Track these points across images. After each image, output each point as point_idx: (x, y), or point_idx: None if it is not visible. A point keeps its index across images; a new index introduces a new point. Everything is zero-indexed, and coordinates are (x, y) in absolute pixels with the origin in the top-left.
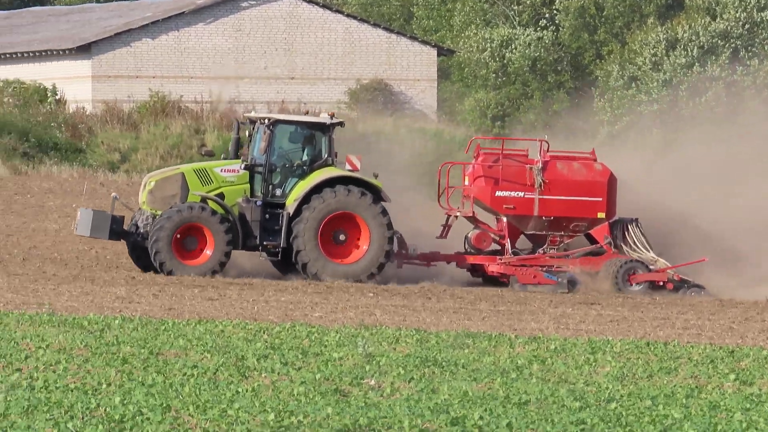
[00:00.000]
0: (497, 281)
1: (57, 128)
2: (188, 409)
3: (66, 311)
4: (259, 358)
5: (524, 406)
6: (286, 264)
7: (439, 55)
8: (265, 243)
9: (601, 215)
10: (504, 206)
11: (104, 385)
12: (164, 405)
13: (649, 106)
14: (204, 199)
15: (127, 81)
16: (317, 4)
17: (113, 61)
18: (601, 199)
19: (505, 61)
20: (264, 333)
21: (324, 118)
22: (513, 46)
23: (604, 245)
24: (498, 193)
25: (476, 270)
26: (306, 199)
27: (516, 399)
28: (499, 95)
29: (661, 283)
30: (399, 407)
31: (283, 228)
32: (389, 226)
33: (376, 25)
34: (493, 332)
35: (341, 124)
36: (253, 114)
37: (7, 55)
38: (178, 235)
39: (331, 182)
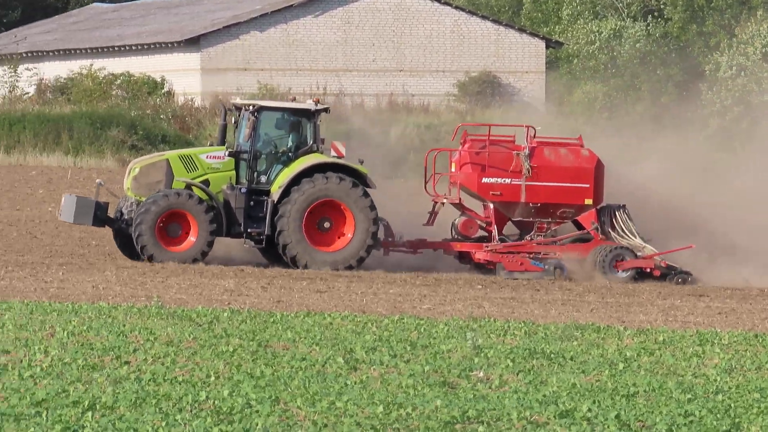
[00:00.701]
0: (485, 268)
1: (165, 121)
2: (297, 402)
3: (174, 304)
4: (367, 350)
5: (632, 398)
6: (272, 251)
7: (547, 47)
8: (249, 230)
9: (589, 201)
10: (491, 193)
11: (213, 378)
12: (273, 397)
13: (760, 97)
14: (189, 186)
15: (236, 73)
16: None
17: (222, 54)
18: (588, 185)
19: (614, 54)
20: (372, 325)
21: (309, 104)
22: (622, 39)
23: (591, 231)
24: (484, 180)
25: (464, 257)
26: (290, 186)
27: (624, 391)
28: (607, 87)
29: (648, 270)
30: (507, 399)
31: (268, 215)
32: (375, 217)
33: (484, 17)
34: (601, 324)
35: (327, 110)
36: (238, 100)
37: (117, 48)
38: (162, 222)
39: (315, 169)
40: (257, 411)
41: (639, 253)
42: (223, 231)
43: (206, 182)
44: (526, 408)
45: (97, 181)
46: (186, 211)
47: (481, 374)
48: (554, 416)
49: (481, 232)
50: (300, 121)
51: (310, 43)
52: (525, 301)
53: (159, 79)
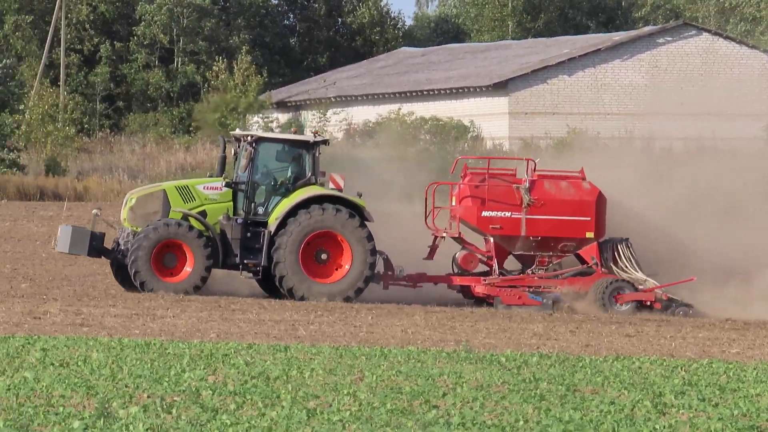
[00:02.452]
0: (486, 302)
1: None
2: None
3: (483, 348)
4: (676, 394)
5: None
6: (270, 283)
7: None
8: (245, 261)
9: (590, 235)
10: (490, 226)
11: (521, 422)
12: None
13: None
14: (185, 216)
15: (543, 117)
16: (734, 40)
17: (530, 98)
18: (589, 218)
19: None
20: (681, 369)
21: (308, 136)
22: None
23: (592, 265)
24: (484, 213)
25: (466, 291)
26: (287, 217)
27: None
28: None
29: (649, 303)
30: None
31: (264, 247)
32: (372, 248)
33: None
34: None
35: (326, 142)
36: (237, 131)
37: (425, 92)
38: (158, 252)
39: (313, 201)
40: None
41: (640, 287)
42: (219, 262)
43: (203, 213)
44: None
45: (94, 211)
46: (181, 241)
47: None
48: None
49: (484, 267)
50: (299, 152)
51: (618, 87)
52: None
53: (467, 123)
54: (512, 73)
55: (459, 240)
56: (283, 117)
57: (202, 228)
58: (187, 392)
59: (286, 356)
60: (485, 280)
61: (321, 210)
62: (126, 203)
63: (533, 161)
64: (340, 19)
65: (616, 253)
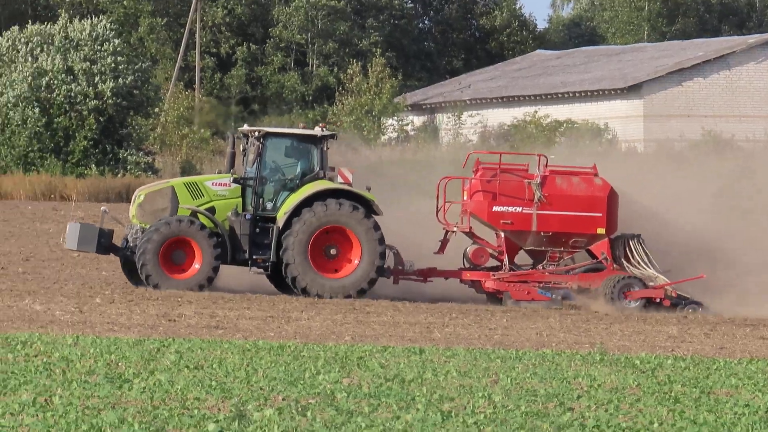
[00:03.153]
0: (496, 297)
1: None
2: None
3: (618, 350)
4: None
5: None
6: (280, 279)
7: None
8: (254, 257)
9: (601, 231)
10: (501, 221)
11: (656, 425)
12: None
13: None
14: (194, 213)
15: (678, 120)
16: None
17: (664, 101)
18: (600, 214)
19: None
20: None
21: (315, 130)
22: None
23: (602, 261)
24: (495, 208)
25: (477, 286)
26: (296, 212)
27: None
28: None
29: (658, 300)
30: None
31: (273, 242)
32: (381, 239)
33: None
34: None
35: (333, 136)
36: (245, 127)
37: (560, 95)
38: (166, 249)
39: (321, 195)
40: None
41: (651, 283)
42: (228, 258)
43: (212, 209)
44: None
45: (102, 208)
46: (190, 238)
47: None
48: None
49: (496, 262)
50: (306, 147)
51: (753, 90)
52: None
53: (602, 126)
54: (647, 75)
55: (470, 235)
56: (418, 120)
57: (211, 224)
58: (322, 395)
59: (421, 359)
60: (494, 275)
61: (324, 206)
62: (135, 200)
63: (545, 156)
64: (474, 22)
65: (627, 250)
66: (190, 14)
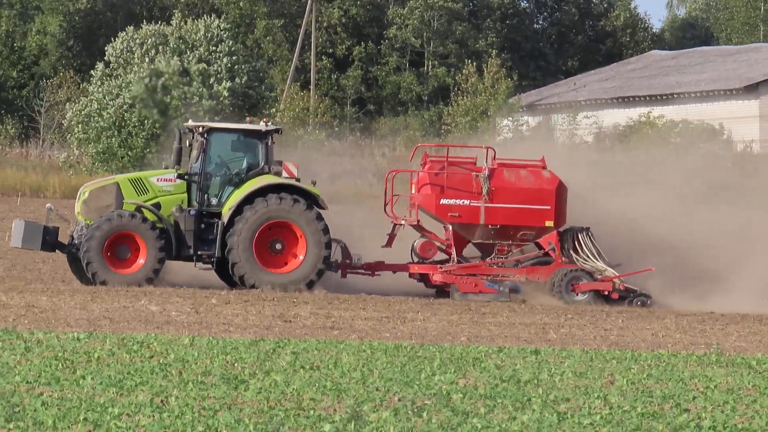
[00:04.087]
0: (444, 291)
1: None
2: None
3: (734, 351)
4: None
5: None
6: (227, 274)
7: None
8: (199, 252)
9: (549, 224)
10: (449, 214)
11: None
12: None
13: None
14: (138, 208)
15: None
16: None
17: None
18: (549, 207)
19: None
20: None
21: (260, 125)
22: None
23: (550, 253)
24: (443, 201)
25: (426, 280)
26: (240, 208)
27: None
28: None
29: (606, 293)
30: None
31: (218, 237)
32: (325, 229)
33: None
34: None
35: (278, 131)
36: (190, 123)
37: (675, 95)
38: (110, 244)
39: (266, 190)
40: None
41: (599, 276)
42: (173, 253)
43: (157, 205)
44: None
45: (48, 205)
46: (134, 233)
47: None
48: None
49: (444, 255)
50: (251, 142)
51: None
52: None
53: (717, 126)
54: (763, 75)
55: (418, 228)
56: (533, 120)
57: (156, 219)
58: (437, 395)
59: (537, 359)
60: (441, 268)
61: (265, 202)
62: (79, 197)
63: (492, 149)
64: (590, 23)
65: (576, 242)
66: (306, 15)
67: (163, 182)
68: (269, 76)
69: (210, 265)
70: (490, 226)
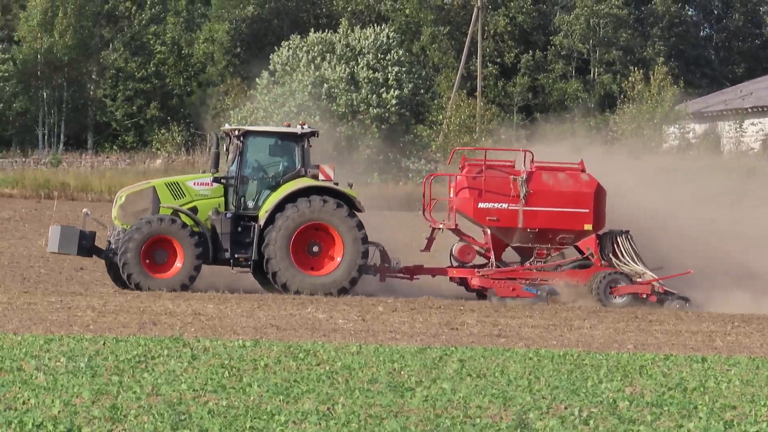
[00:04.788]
0: (484, 295)
1: None
2: None
3: None
4: None
5: None
6: (263, 276)
7: None
8: (236, 256)
9: (588, 227)
10: (487, 218)
11: None
12: None
13: None
14: (175, 212)
15: None
16: None
17: None
18: (587, 210)
19: None
20: None
21: (296, 128)
22: None
23: (588, 256)
24: (481, 205)
25: (466, 284)
26: (277, 210)
27: None
28: None
29: (645, 296)
30: None
31: (255, 240)
32: (364, 238)
33: None
34: None
35: (315, 134)
36: (227, 126)
37: None
38: (148, 249)
39: (303, 193)
40: None
41: (638, 279)
42: (210, 257)
43: (194, 209)
44: None
45: (84, 210)
46: (171, 237)
47: None
48: None
49: (483, 259)
50: (288, 145)
51: None
52: None
53: None
54: None
55: (456, 232)
56: (699, 127)
57: (192, 223)
58: (604, 404)
59: (703, 367)
60: (479, 272)
61: (308, 202)
62: (116, 201)
63: (530, 152)
64: (757, 30)
65: (615, 246)
66: (472, 23)
67: (199, 186)
68: (436, 84)
69: (247, 268)
70: (528, 230)
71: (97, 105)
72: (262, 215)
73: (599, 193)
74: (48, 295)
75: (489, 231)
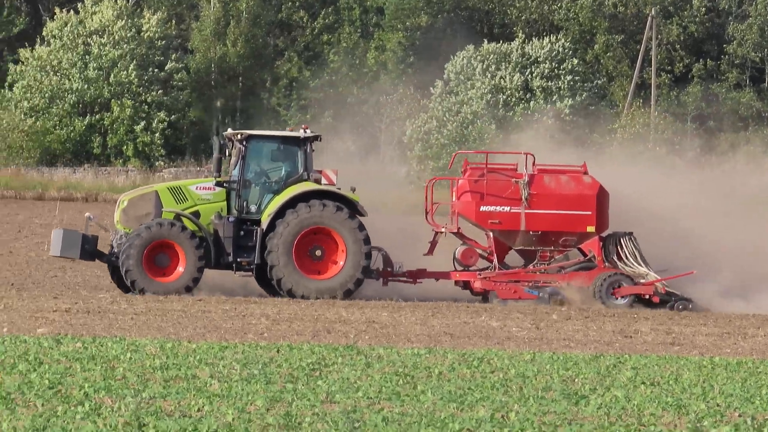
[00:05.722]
0: (487, 298)
1: None
2: None
3: None
4: None
5: None
6: (266, 280)
7: None
8: (238, 260)
9: (591, 229)
10: (489, 221)
11: None
12: None
13: None
14: (177, 216)
15: None
16: None
17: None
18: (590, 212)
19: None
20: None
21: (298, 132)
22: None
23: (590, 258)
24: (483, 208)
25: (469, 287)
26: (280, 214)
27: None
28: None
29: (647, 297)
30: None
31: (257, 244)
32: (366, 240)
33: None
34: None
35: (317, 138)
36: (229, 131)
37: None
38: (150, 253)
39: (306, 197)
40: None
41: (641, 280)
42: (212, 262)
43: (197, 213)
44: None
45: (87, 214)
46: (174, 241)
47: None
48: None
49: (486, 263)
50: (290, 149)
51: None
52: None
53: None
54: None
55: (458, 235)
56: None
57: (195, 228)
58: None
59: None
60: (480, 275)
61: (308, 207)
62: (118, 206)
63: (532, 155)
64: None
65: (618, 247)
66: (646, 32)
67: (201, 190)
68: (610, 92)
69: (250, 273)
70: (531, 233)
71: (271, 114)
72: (265, 219)
73: (601, 195)
74: (222, 303)
75: (491, 234)
